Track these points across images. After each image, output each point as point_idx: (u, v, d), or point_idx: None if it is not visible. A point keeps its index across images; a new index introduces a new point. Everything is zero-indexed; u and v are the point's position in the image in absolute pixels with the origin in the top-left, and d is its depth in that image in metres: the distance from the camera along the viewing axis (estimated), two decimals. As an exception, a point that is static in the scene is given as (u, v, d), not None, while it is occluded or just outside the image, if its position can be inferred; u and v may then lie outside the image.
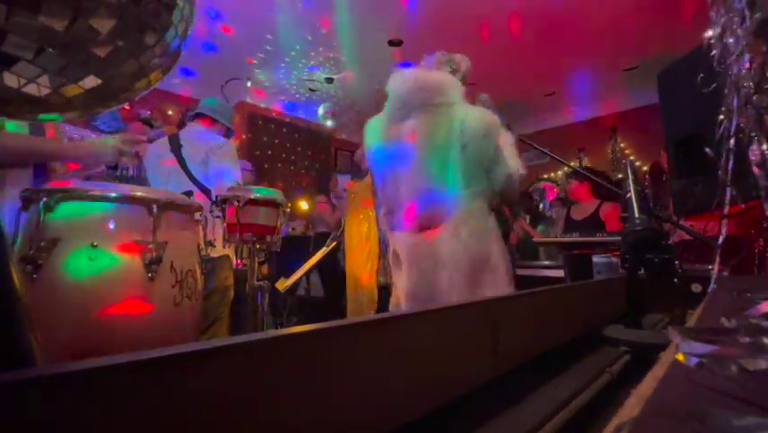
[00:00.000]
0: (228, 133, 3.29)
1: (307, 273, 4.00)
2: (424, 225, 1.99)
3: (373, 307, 4.13)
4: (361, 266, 4.24)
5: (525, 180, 9.08)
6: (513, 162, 1.98)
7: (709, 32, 0.99)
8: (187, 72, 6.75)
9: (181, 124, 6.55)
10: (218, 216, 2.39)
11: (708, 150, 1.07)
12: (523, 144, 2.33)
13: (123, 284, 1.55)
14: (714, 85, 1.05)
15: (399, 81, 2.13)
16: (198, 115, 3.22)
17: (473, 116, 1.96)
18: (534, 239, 4.80)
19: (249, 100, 8.04)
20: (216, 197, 2.41)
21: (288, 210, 2.48)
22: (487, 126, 1.94)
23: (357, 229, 4.27)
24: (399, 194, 2.09)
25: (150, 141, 3.13)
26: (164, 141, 3.07)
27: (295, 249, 4.93)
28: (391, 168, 2.14)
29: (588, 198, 4.61)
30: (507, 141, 2.05)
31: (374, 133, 2.25)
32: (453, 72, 2.21)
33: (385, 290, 4.03)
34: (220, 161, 2.89)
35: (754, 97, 0.90)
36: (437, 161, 1.96)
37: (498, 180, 1.96)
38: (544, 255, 5.79)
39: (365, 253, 4.23)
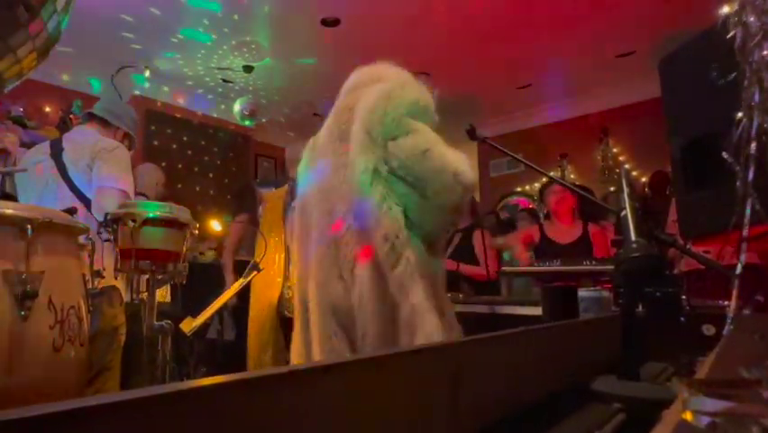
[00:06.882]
0: (129, 142, 3.34)
1: (220, 312, 3.97)
2: None
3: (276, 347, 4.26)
4: (267, 296, 4.36)
5: (492, 195, 9.27)
6: None
7: (725, 9, 1.02)
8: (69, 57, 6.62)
9: (62, 124, 6.48)
10: (108, 240, 2.38)
11: (725, 154, 1.10)
12: (490, 149, 2.36)
13: (-13, 325, 1.51)
14: (732, 75, 1.08)
15: None
16: (91, 117, 3.26)
17: None
18: (505, 269, 4.84)
19: (145, 93, 7.95)
20: (106, 215, 2.41)
21: (196, 232, 2.51)
22: None
23: (270, 254, 4.31)
24: None
25: (30, 146, 3.14)
26: (44, 144, 3.10)
27: (204, 280, 4.89)
28: None
29: (569, 216, 4.69)
30: None
31: None
32: None
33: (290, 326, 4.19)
34: (107, 165, 2.89)
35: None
36: None
37: None
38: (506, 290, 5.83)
39: (269, 279, 4.35)
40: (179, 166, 8.13)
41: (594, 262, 3.46)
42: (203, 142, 8.56)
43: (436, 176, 1.87)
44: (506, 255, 5.79)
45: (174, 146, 8.19)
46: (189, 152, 8.37)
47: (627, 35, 6.56)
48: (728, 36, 1.03)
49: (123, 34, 6.29)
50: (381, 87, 2.06)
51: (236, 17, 6.03)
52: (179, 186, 7.96)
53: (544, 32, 6.42)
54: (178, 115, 8.30)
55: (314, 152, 2.27)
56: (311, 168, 2.25)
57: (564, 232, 4.67)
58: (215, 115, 8.72)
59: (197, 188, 8.37)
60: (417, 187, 1.90)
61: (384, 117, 1.95)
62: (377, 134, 1.93)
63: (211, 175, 8.54)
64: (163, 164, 7.42)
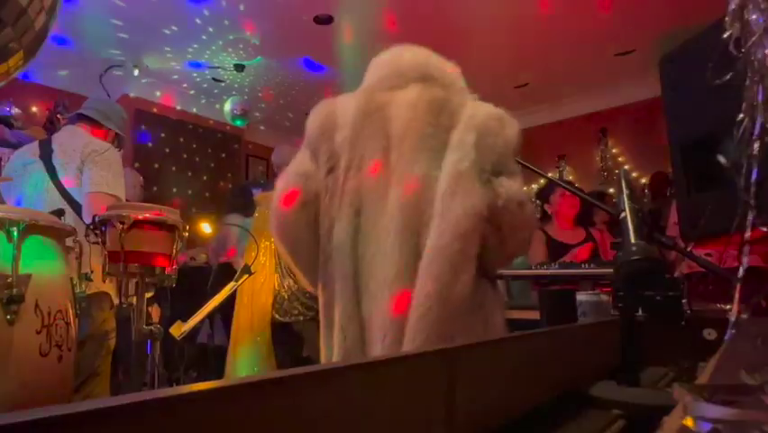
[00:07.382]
0: (118, 143, 3.38)
1: (210, 316, 3.98)
2: None
3: (270, 355, 4.33)
4: (258, 303, 4.41)
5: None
6: None
7: (732, 5, 1.02)
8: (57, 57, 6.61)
9: (49, 124, 6.51)
10: (96, 243, 2.38)
11: (720, 157, 1.10)
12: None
13: (-27, 329, 1.52)
14: (729, 74, 1.08)
15: None
16: (80, 117, 3.28)
17: None
18: (502, 271, 4.83)
19: (135, 93, 7.94)
20: (94, 217, 2.41)
21: (186, 234, 2.51)
22: None
23: (260, 258, 4.32)
24: None
25: (16, 146, 3.15)
26: (33, 145, 3.13)
27: (195, 284, 4.90)
28: None
29: (572, 220, 4.69)
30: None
31: None
32: None
33: (283, 331, 4.28)
34: (97, 169, 2.90)
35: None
36: None
37: None
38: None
39: (259, 283, 4.34)
40: (170, 165, 8.10)
41: (592, 265, 3.46)
42: (182, 140, 8.52)
43: (523, 229, 1.80)
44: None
45: (162, 145, 8.14)
46: (167, 150, 8.29)
47: (627, 33, 6.52)
48: (729, 34, 1.03)
49: (114, 21, 6.22)
50: (490, 108, 1.93)
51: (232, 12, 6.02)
52: (172, 185, 7.95)
53: (542, 29, 6.39)
54: (167, 115, 8.25)
55: (382, 147, 1.87)
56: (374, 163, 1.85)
57: (570, 233, 4.65)
58: (205, 115, 8.69)
59: (188, 183, 8.35)
60: (499, 234, 1.75)
61: (495, 145, 1.80)
62: (486, 163, 1.76)
63: (190, 173, 8.50)
64: (153, 160, 7.44)
